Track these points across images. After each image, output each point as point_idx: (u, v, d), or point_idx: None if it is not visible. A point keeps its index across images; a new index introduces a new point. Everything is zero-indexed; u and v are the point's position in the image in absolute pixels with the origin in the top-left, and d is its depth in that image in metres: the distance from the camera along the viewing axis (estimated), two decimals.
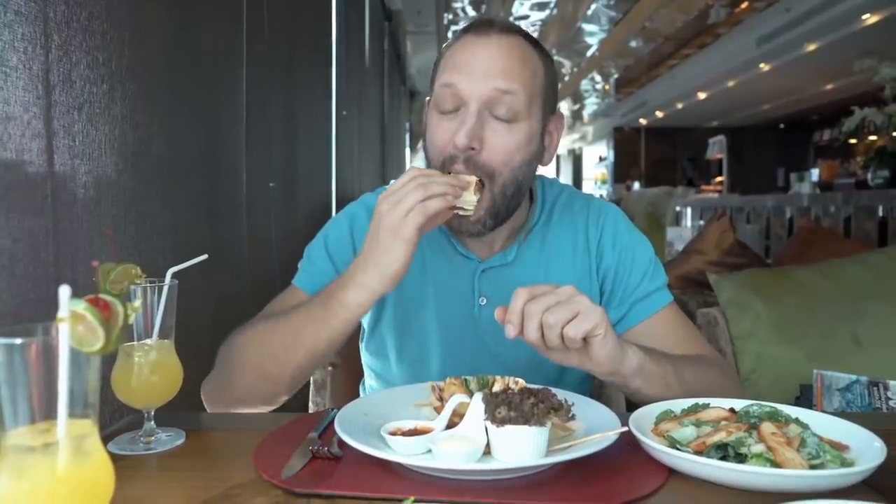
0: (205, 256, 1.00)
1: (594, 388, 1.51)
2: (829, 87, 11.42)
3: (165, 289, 0.94)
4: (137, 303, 0.65)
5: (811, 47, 8.66)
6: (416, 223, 0.94)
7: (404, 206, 0.94)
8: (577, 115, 19.22)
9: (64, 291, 0.54)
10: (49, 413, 0.55)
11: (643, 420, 0.92)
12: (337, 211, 1.31)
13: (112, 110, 1.12)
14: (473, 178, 1.02)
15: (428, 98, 1.21)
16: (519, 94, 1.07)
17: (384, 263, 0.95)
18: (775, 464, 0.77)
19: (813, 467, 0.78)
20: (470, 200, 1.00)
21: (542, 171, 1.27)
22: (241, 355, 1.08)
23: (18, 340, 0.54)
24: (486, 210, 1.10)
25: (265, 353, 1.05)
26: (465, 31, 1.14)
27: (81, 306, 0.56)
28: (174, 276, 0.95)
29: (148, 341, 0.94)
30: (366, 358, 1.31)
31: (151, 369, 0.93)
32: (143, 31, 1.24)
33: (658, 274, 1.23)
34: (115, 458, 0.63)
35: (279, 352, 1.04)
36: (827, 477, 0.75)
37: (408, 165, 9.77)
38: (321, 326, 1.00)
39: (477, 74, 1.07)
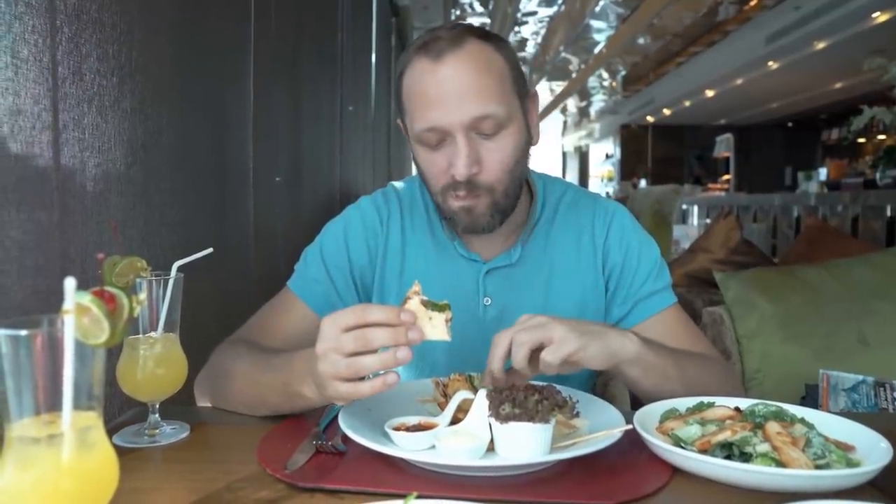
0: (210, 250, 1.00)
1: (598, 385, 1.51)
2: (837, 85, 11.33)
3: (171, 282, 0.94)
4: (143, 295, 0.65)
5: (820, 45, 8.60)
6: (345, 398, 0.84)
7: (337, 370, 0.81)
8: (583, 113, 19.16)
9: (69, 283, 0.54)
10: (54, 405, 0.55)
11: (647, 418, 0.91)
12: (341, 206, 1.31)
13: (121, 103, 1.12)
14: (448, 312, 0.85)
15: (399, 119, 1.18)
16: (497, 110, 1.05)
17: (328, 397, 0.87)
18: (780, 463, 0.77)
19: (818, 467, 0.78)
20: (438, 332, 0.84)
21: (548, 170, 1.26)
22: (222, 385, 1.07)
23: (24, 332, 0.54)
24: (491, 211, 1.11)
25: (240, 398, 1.04)
26: (417, 53, 1.08)
27: (87, 298, 0.56)
28: (180, 269, 0.96)
29: (153, 334, 0.94)
30: None
31: (156, 362, 0.93)
32: (153, 24, 1.24)
33: (663, 274, 1.23)
34: (120, 451, 0.63)
35: (251, 402, 1.03)
36: (832, 477, 0.75)
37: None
38: (284, 403, 0.97)
39: (450, 107, 1.04)
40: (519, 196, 1.16)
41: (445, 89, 1.04)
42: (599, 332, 0.94)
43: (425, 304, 0.84)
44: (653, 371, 1.00)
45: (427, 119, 1.06)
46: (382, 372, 0.83)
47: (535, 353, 0.89)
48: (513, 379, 0.91)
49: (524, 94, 1.14)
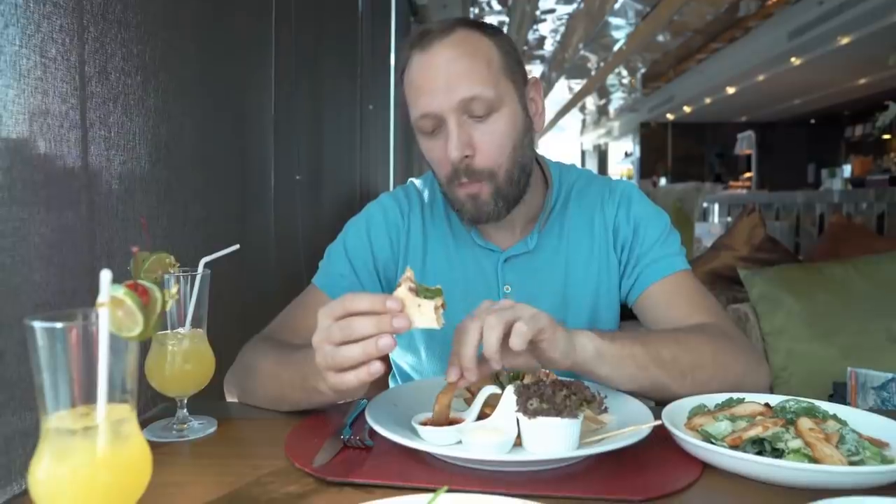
0: (237, 246, 1.00)
1: None
2: (862, 81, 11.17)
3: (198, 278, 0.95)
4: (175, 289, 0.65)
5: (844, 41, 8.48)
6: (338, 389, 0.83)
7: (326, 360, 0.81)
8: (602, 111, 19.05)
9: (105, 276, 0.55)
10: (89, 397, 0.56)
11: (676, 414, 0.90)
12: (361, 205, 1.32)
13: (146, 102, 1.13)
14: (439, 299, 0.83)
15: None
16: (485, 91, 1.07)
17: (329, 387, 0.86)
18: (813, 460, 0.76)
19: (852, 464, 0.76)
20: (427, 319, 0.82)
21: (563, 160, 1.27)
22: (248, 382, 1.09)
23: (59, 325, 0.55)
24: (494, 198, 1.11)
25: (263, 394, 1.05)
26: (412, 48, 1.13)
27: (121, 291, 0.57)
28: (206, 266, 0.96)
29: (181, 330, 0.95)
30: (395, 353, 1.32)
31: (184, 358, 0.94)
32: (175, 23, 1.25)
33: (672, 241, 1.22)
34: (149, 445, 0.63)
35: (273, 398, 1.04)
36: (867, 474, 0.73)
37: None
38: (303, 398, 0.98)
39: (438, 92, 1.07)
40: (525, 182, 1.16)
41: (434, 76, 1.08)
42: (562, 325, 0.90)
43: (416, 290, 0.82)
44: (622, 363, 0.95)
45: (419, 106, 1.10)
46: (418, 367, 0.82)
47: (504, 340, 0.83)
48: (483, 369, 0.85)
49: (521, 80, 1.15)
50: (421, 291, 0.82)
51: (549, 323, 0.86)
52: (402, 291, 0.82)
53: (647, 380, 0.98)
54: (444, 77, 1.07)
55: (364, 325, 0.79)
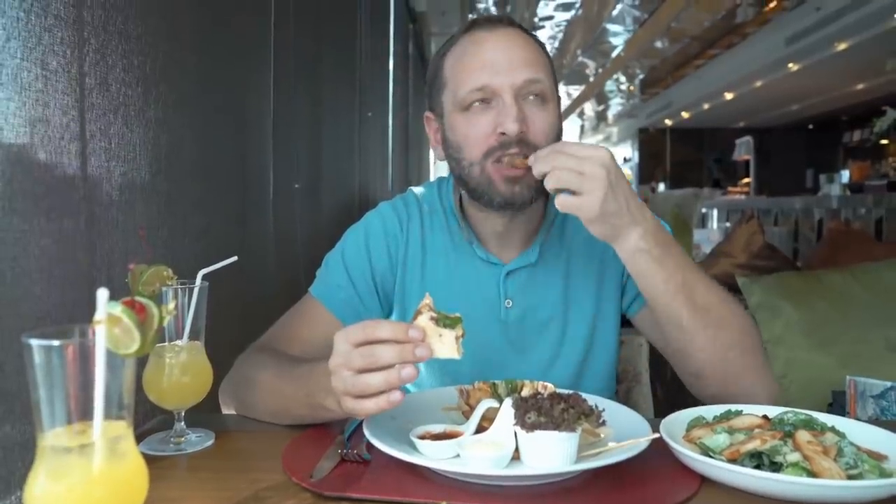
0: (234, 258, 1.00)
1: (620, 393, 1.50)
2: (859, 86, 11.20)
3: (196, 290, 0.95)
4: (172, 305, 0.66)
5: (842, 46, 8.50)
6: (357, 414, 0.83)
7: (346, 386, 0.81)
8: (601, 116, 19.08)
9: (102, 294, 0.55)
10: (85, 414, 0.56)
11: (674, 427, 0.90)
12: (360, 213, 1.31)
13: (146, 113, 1.13)
14: (459, 328, 0.83)
15: (428, 113, 1.21)
16: (545, 80, 1.11)
17: (345, 413, 0.87)
18: (811, 473, 0.76)
19: (851, 477, 0.76)
20: (448, 349, 0.81)
21: None
22: (247, 395, 1.08)
23: (56, 342, 0.55)
24: (529, 186, 1.10)
25: (264, 408, 1.05)
26: (470, 29, 1.14)
27: (118, 309, 0.57)
28: (204, 277, 0.96)
29: (179, 342, 0.95)
30: None
31: (182, 370, 0.94)
32: (176, 35, 1.25)
33: None
34: (146, 459, 0.63)
35: (275, 412, 1.03)
36: (865, 488, 0.73)
37: (432, 168, 9.72)
38: (309, 413, 0.97)
39: (503, 68, 1.09)
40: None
41: (498, 52, 1.11)
42: (624, 223, 1.00)
43: (437, 318, 0.82)
44: (658, 275, 1.02)
45: (477, 79, 1.10)
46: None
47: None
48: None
49: (557, 93, 1.18)
50: (441, 320, 0.82)
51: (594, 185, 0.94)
52: (424, 320, 0.82)
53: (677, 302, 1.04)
54: (508, 56, 1.10)
55: (387, 353, 0.79)
